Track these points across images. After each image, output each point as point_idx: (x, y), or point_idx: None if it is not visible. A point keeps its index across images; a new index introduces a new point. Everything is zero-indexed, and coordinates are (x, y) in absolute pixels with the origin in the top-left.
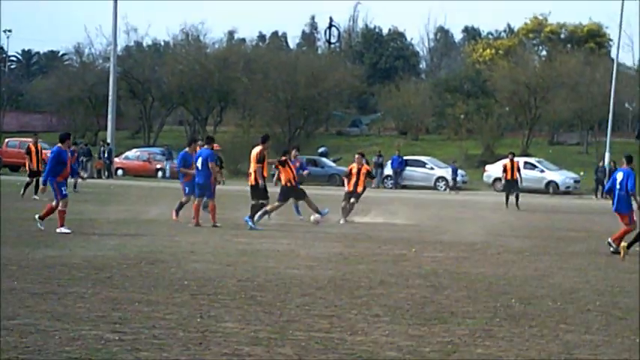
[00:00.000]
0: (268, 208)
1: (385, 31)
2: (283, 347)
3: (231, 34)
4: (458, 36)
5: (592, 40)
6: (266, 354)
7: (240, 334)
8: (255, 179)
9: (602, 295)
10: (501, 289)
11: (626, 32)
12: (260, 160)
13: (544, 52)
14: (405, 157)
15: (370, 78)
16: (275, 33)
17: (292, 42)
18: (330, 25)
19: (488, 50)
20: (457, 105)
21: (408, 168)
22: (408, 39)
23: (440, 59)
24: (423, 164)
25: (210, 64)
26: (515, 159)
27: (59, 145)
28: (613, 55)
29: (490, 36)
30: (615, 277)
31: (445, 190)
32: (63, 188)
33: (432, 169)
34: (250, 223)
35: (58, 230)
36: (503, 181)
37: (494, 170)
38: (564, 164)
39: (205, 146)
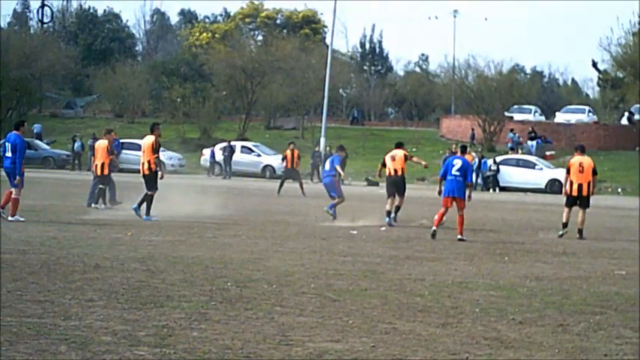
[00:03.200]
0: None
1: (100, 12)
2: None
3: None
4: (174, 19)
5: (307, 27)
6: None
7: None
8: (150, 168)
9: (317, 278)
10: (217, 272)
11: (340, 19)
12: (157, 149)
13: (260, 37)
14: (121, 140)
15: (85, 59)
16: None
17: (3, 21)
18: (43, 5)
19: (205, 34)
20: (174, 88)
21: (124, 151)
22: (124, 20)
23: (156, 42)
24: (139, 147)
25: None
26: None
27: None
28: (328, 41)
29: (207, 20)
30: (330, 260)
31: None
32: None
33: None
34: None
35: None
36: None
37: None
38: (281, 149)
39: None
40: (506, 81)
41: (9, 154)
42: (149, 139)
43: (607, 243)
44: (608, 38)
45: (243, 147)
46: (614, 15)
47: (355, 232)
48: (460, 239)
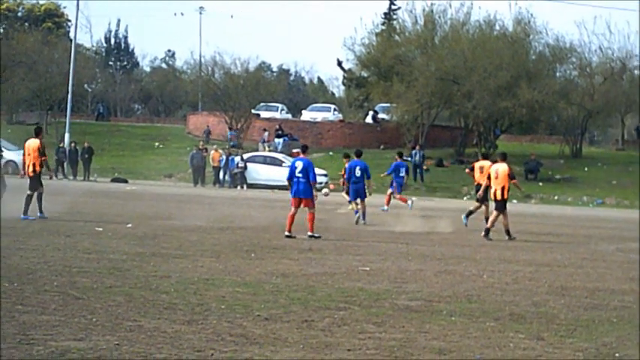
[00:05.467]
0: None
1: None
2: None
3: None
4: None
5: (50, 20)
6: None
7: None
8: (35, 170)
9: (60, 276)
10: None
11: (84, 13)
12: (43, 152)
13: (1, 30)
14: None
15: None
16: None
17: None
18: None
19: None
20: None
21: None
22: None
23: None
24: None
25: None
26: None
27: None
28: (72, 35)
29: None
30: (74, 258)
31: None
32: None
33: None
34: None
35: None
36: None
37: None
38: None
39: None
40: (252, 78)
41: None
42: (34, 143)
43: (352, 240)
44: (352, 38)
45: None
46: (358, 15)
47: (101, 229)
48: (311, 236)
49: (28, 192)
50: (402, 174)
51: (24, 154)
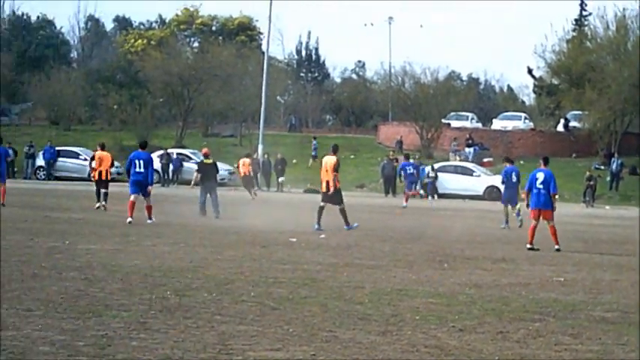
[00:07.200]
0: None
1: (34, 19)
2: None
3: None
4: (109, 25)
5: (243, 33)
6: None
7: None
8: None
9: (257, 286)
10: (157, 281)
11: (276, 26)
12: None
13: (196, 44)
14: (57, 148)
15: (19, 66)
16: None
17: None
18: None
19: (140, 41)
20: (110, 95)
21: (60, 159)
22: (58, 27)
23: (91, 49)
24: (76, 155)
25: None
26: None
27: None
28: (264, 48)
29: (142, 26)
30: (269, 268)
31: None
32: None
33: (86, 159)
34: None
35: None
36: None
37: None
38: (219, 156)
39: None
40: (442, 88)
41: None
42: (331, 160)
43: (545, 250)
44: (542, 45)
45: (179, 154)
46: (548, 22)
47: (294, 239)
48: (557, 249)
49: (339, 206)
50: (411, 171)
51: (321, 170)
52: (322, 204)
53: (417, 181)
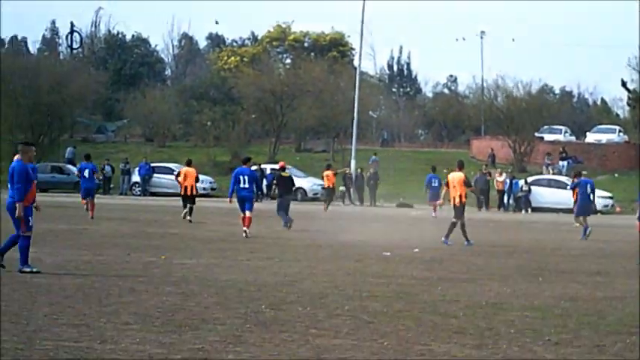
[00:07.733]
0: None
1: (129, 37)
2: (31, 357)
3: None
4: (202, 43)
5: (335, 49)
6: None
7: None
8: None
9: (351, 300)
10: (252, 295)
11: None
12: (469, 183)
13: (288, 60)
14: (152, 164)
15: (115, 84)
16: (14, 37)
17: (33, 47)
18: (72, 31)
19: (233, 58)
20: (204, 112)
21: (155, 175)
22: (153, 45)
23: (185, 66)
24: (171, 171)
25: None
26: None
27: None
28: (356, 63)
29: (235, 44)
30: (363, 282)
31: None
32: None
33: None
34: None
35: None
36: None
37: None
38: (312, 171)
39: None
40: (535, 101)
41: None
42: (459, 175)
43: None
44: (636, 57)
45: (273, 170)
46: None
47: (388, 253)
48: None
49: (453, 219)
50: (436, 184)
51: (447, 185)
52: (454, 220)
53: (438, 192)
